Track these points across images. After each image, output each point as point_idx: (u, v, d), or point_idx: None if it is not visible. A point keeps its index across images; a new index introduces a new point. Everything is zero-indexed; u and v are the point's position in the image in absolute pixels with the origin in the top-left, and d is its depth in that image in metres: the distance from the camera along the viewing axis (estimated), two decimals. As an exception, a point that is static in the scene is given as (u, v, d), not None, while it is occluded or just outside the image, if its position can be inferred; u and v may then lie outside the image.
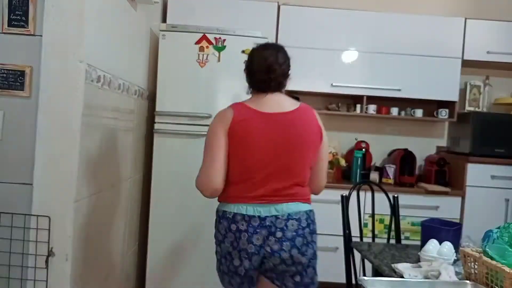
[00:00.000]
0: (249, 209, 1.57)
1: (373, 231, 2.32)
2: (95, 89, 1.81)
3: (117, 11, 2.08)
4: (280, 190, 1.58)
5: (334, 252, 2.99)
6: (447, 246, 1.65)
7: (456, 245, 1.66)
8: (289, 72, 1.69)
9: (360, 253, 1.90)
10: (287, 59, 1.68)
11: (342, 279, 2.15)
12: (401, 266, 1.55)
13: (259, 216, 1.55)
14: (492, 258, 1.31)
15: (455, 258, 1.61)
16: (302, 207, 1.62)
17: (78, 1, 1.59)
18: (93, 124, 1.83)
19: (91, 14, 1.70)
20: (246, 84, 1.73)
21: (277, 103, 1.64)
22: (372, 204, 2.33)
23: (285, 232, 1.55)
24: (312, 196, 1.68)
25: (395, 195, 2.34)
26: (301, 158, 1.61)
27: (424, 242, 1.74)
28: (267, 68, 1.62)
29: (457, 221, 3.02)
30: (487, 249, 1.34)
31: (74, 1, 1.59)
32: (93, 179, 1.87)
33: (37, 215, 1.53)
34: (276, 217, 1.56)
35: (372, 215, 2.31)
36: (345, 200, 2.19)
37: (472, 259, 1.38)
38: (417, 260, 1.69)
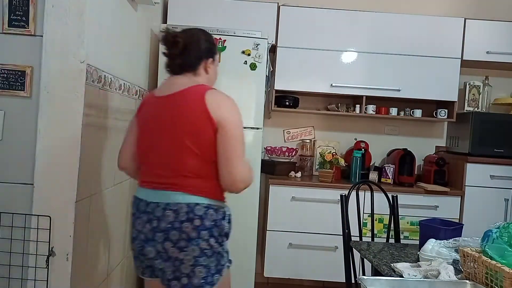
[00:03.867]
0: (141, 192, 1.56)
1: (372, 230, 2.32)
2: (95, 89, 1.81)
3: (118, 11, 2.08)
4: (163, 177, 1.49)
5: (333, 251, 3.01)
6: (447, 245, 1.65)
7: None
8: (196, 52, 1.57)
9: (360, 252, 1.90)
10: (187, 38, 1.56)
11: (342, 278, 2.16)
12: (400, 266, 1.55)
13: (145, 201, 1.51)
14: (491, 258, 1.31)
15: (454, 257, 1.61)
16: (185, 198, 1.44)
17: (78, 1, 1.59)
18: (93, 124, 1.83)
19: (92, 14, 1.71)
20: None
21: (173, 85, 1.54)
22: (372, 203, 2.34)
23: (160, 222, 1.45)
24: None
25: (394, 195, 2.34)
26: (175, 145, 1.47)
27: (422, 241, 1.74)
28: (165, 50, 1.57)
29: (457, 220, 3.03)
30: (487, 249, 1.35)
31: (75, 1, 1.59)
32: (93, 179, 1.88)
33: (38, 215, 1.53)
34: (157, 204, 1.47)
35: (372, 215, 2.31)
36: (344, 200, 2.20)
37: (471, 259, 1.38)
38: (416, 260, 1.69)
